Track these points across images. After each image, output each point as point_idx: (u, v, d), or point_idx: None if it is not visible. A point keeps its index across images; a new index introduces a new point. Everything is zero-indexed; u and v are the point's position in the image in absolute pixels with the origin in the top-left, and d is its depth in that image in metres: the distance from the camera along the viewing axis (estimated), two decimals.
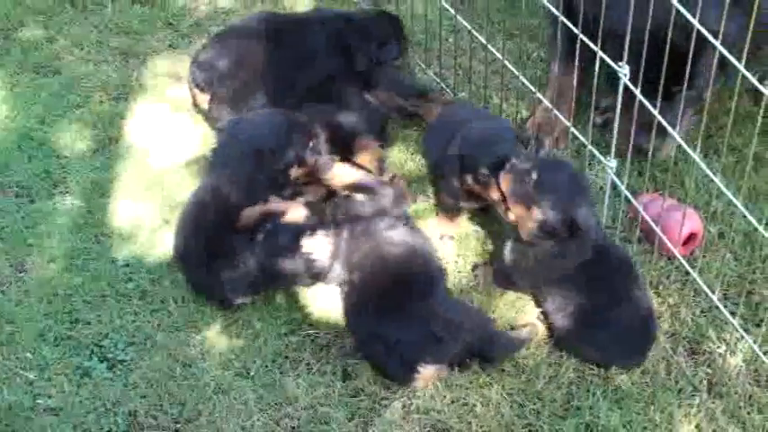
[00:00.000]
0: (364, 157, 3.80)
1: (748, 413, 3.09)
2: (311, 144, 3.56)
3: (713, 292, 3.16)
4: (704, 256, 3.48)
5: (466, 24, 3.95)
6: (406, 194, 3.66)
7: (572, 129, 3.64)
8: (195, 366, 3.29)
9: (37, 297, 3.51)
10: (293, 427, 3.12)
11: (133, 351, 3.35)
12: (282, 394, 3.19)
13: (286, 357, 3.31)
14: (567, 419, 3.09)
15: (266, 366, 3.28)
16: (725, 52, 2.67)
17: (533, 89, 3.72)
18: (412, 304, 3.17)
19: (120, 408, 3.17)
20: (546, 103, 3.76)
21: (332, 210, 3.48)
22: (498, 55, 3.80)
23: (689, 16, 2.76)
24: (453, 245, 3.65)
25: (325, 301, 3.46)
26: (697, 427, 3.07)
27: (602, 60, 3.17)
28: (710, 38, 2.70)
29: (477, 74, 4.26)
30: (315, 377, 3.23)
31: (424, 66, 4.41)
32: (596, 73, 3.24)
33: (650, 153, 3.52)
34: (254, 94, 3.97)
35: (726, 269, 3.45)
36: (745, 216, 2.92)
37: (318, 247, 3.30)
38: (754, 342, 3.12)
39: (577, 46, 3.26)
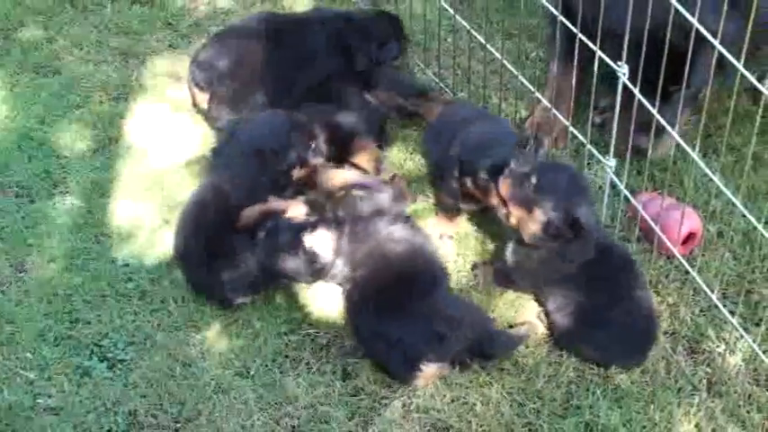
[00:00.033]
0: (362, 158, 3.80)
1: (748, 412, 3.10)
2: (313, 145, 3.57)
3: (712, 292, 3.17)
4: (703, 255, 3.49)
5: (465, 24, 3.95)
6: (406, 194, 3.66)
7: (571, 128, 3.64)
8: (195, 366, 3.29)
9: (37, 297, 3.52)
10: (293, 427, 3.12)
11: (133, 351, 3.35)
12: (282, 393, 3.19)
13: (286, 357, 3.31)
14: (567, 418, 3.09)
15: (266, 366, 3.28)
16: (724, 51, 2.67)
17: (532, 89, 3.73)
18: (415, 302, 3.18)
19: (120, 407, 3.18)
20: (545, 102, 3.77)
21: (333, 207, 3.48)
22: (497, 55, 3.80)
23: (688, 15, 2.76)
24: (453, 244, 3.66)
25: (324, 301, 3.47)
26: (696, 426, 3.07)
27: (601, 60, 3.18)
28: (709, 36, 2.71)
29: (476, 74, 4.26)
30: (315, 376, 3.24)
31: (422, 65, 4.42)
32: (595, 72, 3.25)
33: (649, 152, 3.53)
34: (254, 94, 3.98)
35: (725, 268, 3.45)
36: (744, 215, 2.93)
37: (320, 242, 3.29)
38: (754, 341, 3.13)
39: (576, 46, 3.27)
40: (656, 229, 3.30)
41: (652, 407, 3.11)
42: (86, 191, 3.92)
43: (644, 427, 3.07)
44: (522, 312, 3.42)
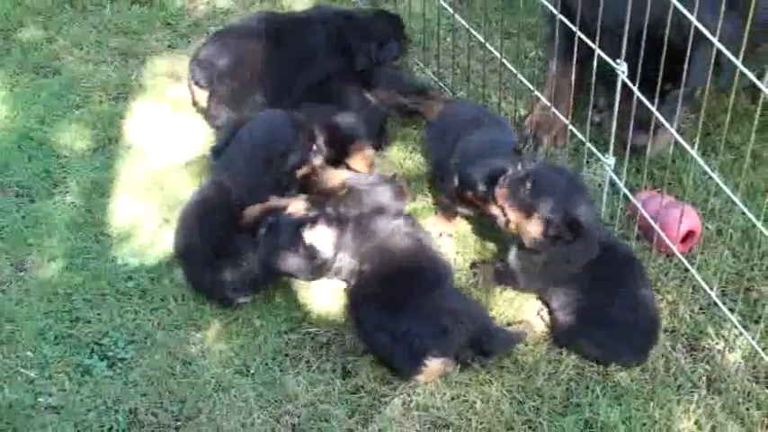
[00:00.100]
0: (356, 160, 3.80)
1: (747, 409, 3.10)
2: (314, 146, 3.59)
3: (712, 289, 3.17)
4: (702, 253, 3.49)
5: (464, 23, 3.95)
6: (406, 192, 3.67)
7: (570, 126, 3.65)
8: (195, 364, 3.29)
9: (37, 296, 3.52)
10: (293, 425, 3.13)
11: (133, 349, 3.35)
12: (282, 392, 3.20)
13: (286, 355, 3.32)
14: (567, 416, 3.10)
15: (266, 364, 3.29)
16: (723, 49, 2.68)
17: (531, 87, 3.73)
18: (421, 296, 3.19)
19: (120, 406, 3.18)
20: (544, 101, 3.77)
21: (334, 204, 3.48)
22: (496, 54, 3.81)
23: (686, 13, 2.77)
24: (452, 243, 3.66)
25: (324, 299, 3.48)
26: (696, 423, 3.08)
27: (600, 58, 3.19)
28: (708, 34, 2.71)
29: (476, 73, 4.27)
30: (315, 375, 3.24)
31: (422, 65, 4.43)
32: (594, 71, 3.25)
33: (648, 149, 3.54)
34: (254, 93, 3.98)
35: (724, 266, 3.46)
36: (743, 213, 2.93)
37: (319, 238, 3.30)
38: (753, 338, 3.13)
39: (575, 44, 3.27)
40: (656, 227, 3.31)
41: (652, 404, 3.11)
42: (86, 190, 3.92)
43: (643, 424, 3.08)
44: (522, 311, 3.42)
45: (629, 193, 3.44)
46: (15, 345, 3.37)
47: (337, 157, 3.79)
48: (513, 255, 3.35)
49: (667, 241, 3.30)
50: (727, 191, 2.93)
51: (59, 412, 3.17)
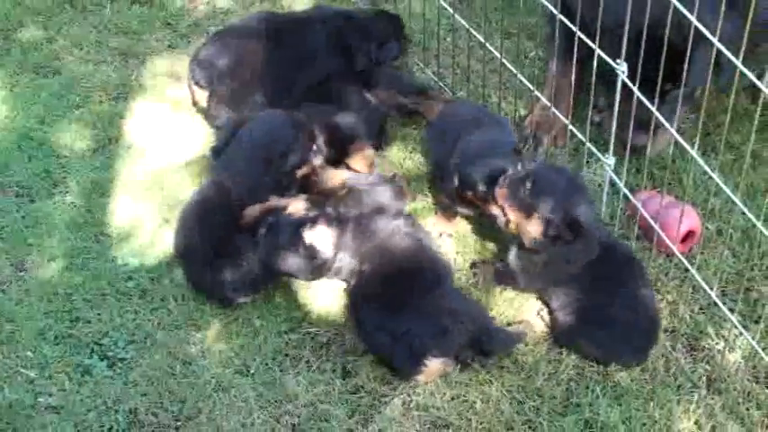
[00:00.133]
0: (356, 160, 3.80)
1: (747, 409, 3.10)
2: (315, 146, 3.59)
3: (711, 289, 3.17)
4: (702, 253, 3.50)
5: (464, 23, 3.95)
6: (406, 192, 3.67)
7: (570, 126, 3.65)
8: (195, 364, 3.29)
9: (37, 296, 3.52)
10: (293, 425, 3.13)
11: (133, 349, 3.36)
12: (282, 392, 3.20)
13: (286, 355, 3.32)
14: (567, 416, 3.10)
15: (266, 364, 3.29)
16: (723, 49, 2.68)
17: (531, 87, 3.73)
18: (422, 296, 3.19)
19: (120, 406, 3.18)
20: (544, 101, 3.77)
21: (334, 204, 3.48)
22: (496, 54, 3.81)
23: (686, 12, 2.77)
24: (452, 243, 3.66)
25: (324, 300, 3.48)
26: (696, 423, 3.08)
27: (600, 58, 3.19)
28: (707, 34, 2.71)
29: (476, 73, 4.27)
30: (315, 375, 3.24)
31: (422, 65, 4.43)
32: (594, 70, 3.26)
33: (648, 149, 3.54)
34: (254, 93, 3.98)
35: (724, 266, 3.46)
36: (743, 213, 2.93)
37: (319, 237, 3.30)
38: (753, 338, 3.13)
39: (575, 44, 3.28)
40: (656, 226, 3.31)
41: (651, 404, 3.12)
42: (86, 190, 3.92)
43: (643, 424, 3.08)
44: (522, 311, 3.42)
45: (629, 193, 3.44)
46: (15, 345, 3.37)
47: (337, 158, 3.79)
48: (512, 255, 3.35)
49: (667, 241, 3.30)
50: (728, 191, 2.93)
51: (59, 412, 3.17)
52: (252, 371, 3.27)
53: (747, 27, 2.69)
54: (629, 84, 3.10)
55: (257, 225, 3.36)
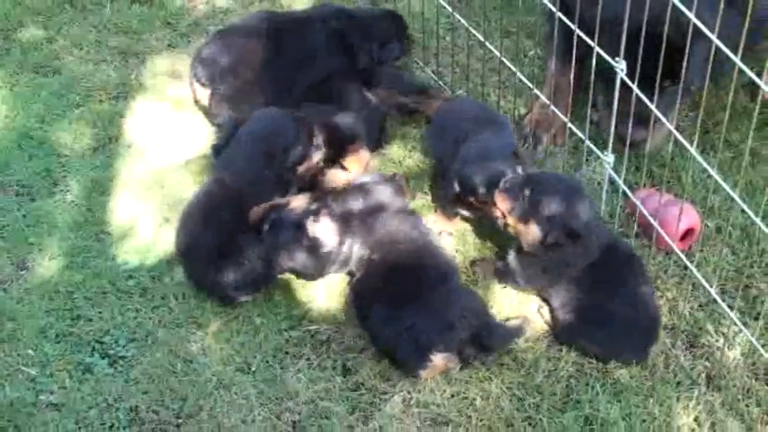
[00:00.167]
0: (352, 161, 3.80)
1: (746, 406, 3.11)
2: (315, 142, 3.60)
3: (711, 286, 3.18)
4: (702, 251, 3.51)
5: (463, 22, 3.96)
6: (406, 191, 3.67)
7: (569, 125, 3.66)
8: (196, 362, 3.30)
9: (38, 294, 3.53)
10: (294, 422, 3.13)
11: (134, 347, 3.36)
12: (283, 389, 3.21)
13: (286, 353, 3.32)
14: (567, 413, 3.11)
15: (267, 362, 3.29)
16: (721, 46, 2.68)
17: (531, 86, 3.74)
18: (428, 291, 3.21)
19: (121, 403, 3.19)
20: (543, 99, 3.78)
21: (338, 200, 3.48)
22: (496, 52, 3.82)
23: (685, 10, 2.78)
24: (452, 241, 3.67)
25: (325, 297, 3.49)
26: (696, 419, 3.09)
27: (599, 56, 3.20)
28: (707, 31, 2.72)
29: (475, 71, 4.27)
30: (315, 372, 3.25)
31: (421, 63, 4.44)
32: (593, 69, 3.26)
33: (648, 144, 3.55)
34: (256, 92, 3.98)
35: (723, 263, 3.47)
36: (742, 210, 2.94)
37: (324, 228, 3.31)
38: (752, 335, 3.14)
39: (574, 42, 3.28)
40: (655, 224, 3.31)
41: (651, 401, 3.12)
42: (87, 189, 3.93)
43: (643, 420, 3.08)
44: (522, 308, 3.43)
45: (628, 191, 3.44)
46: (17, 343, 3.37)
47: (334, 158, 3.79)
48: (512, 256, 3.37)
49: (667, 238, 3.31)
50: (727, 188, 2.93)
51: (60, 410, 3.18)
52: (252, 368, 3.28)
53: (746, 26, 2.70)
54: (629, 82, 3.11)
55: (262, 222, 3.36)
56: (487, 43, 3.86)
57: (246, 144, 3.60)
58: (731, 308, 3.21)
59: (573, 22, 3.26)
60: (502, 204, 3.22)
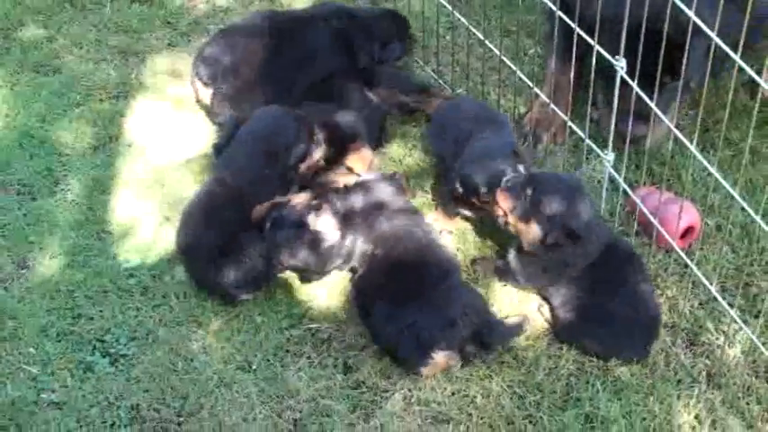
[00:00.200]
0: (354, 160, 3.80)
1: (747, 403, 3.11)
2: (315, 138, 3.61)
3: (711, 284, 3.18)
4: (702, 249, 3.51)
5: (463, 21, 3.97)
6: (406, 190, 3.68)
7: (569, 123, 3.66)
8: (197, 360, 3.30)
9: (39, 293, 3.53)
10: (295, 420, 3.14)
11: (135, 346, 3.36)
12: (284, 387, 3.21)
13: (287, 351, 3.33)
14: (567, 410, 3.11)
15: (268, 360, 3.30)
16: (721, 44, 2.69)
17: (531, 84, 3.75)
18: (430, 288, 3.21)
19: (122, 402, 3.19)
20: (543, 98, 3.79)
21: (340, 197, 3.48)
22: (496, 51, 3.82)
23: (684, 8, 2.78)
24: (452, 239, 3.67)
25: (325, 296, 3.49)
26: (696, 417, 3.09)
27: (599, 55, 3.20)
28: (707, 30, 2.73)
29: (475, 70, 4.28)
30: (316, 370, 3.25)
31: (421, 62, 4.44)
32: (593, 67, 3.27)
33: (648, 139, 3.55)
34: (258, 91, 3.98)
35: (723, 261, 3.47)
36: (742, 208, 2.94)
37: (325, 221, 3.31)
38: (753, 333, 3.14)
39: (574, 41, 3.29)
40: (655, 222, 3.32)
41: (652, 399, 3.13)
42: (87, 188, 3.93)
43: (644, 418, 3.09)
44: (522, 306, 3.43)
45: (628, 189, 3.45)
46: (18, 342, 3.37)
47: (336, 157, 3.79)
48: (512, 256, 3.37)
49: (667, 237, 3.31)
50: (727, 186, 2.93)
51: (62, 408, 3.18)
52: (253, 367, 3.28)
53: (745, 24, 2.71)
54: (629, 80, 3.12)
55: (264, 219, 3.37)
56: (487, 42, 3.86)
57: (247, 143, 3.60)
58: (731, 306, 3.21)
59: (573, 21, 3.27)
60: (503, 203, 3.23)
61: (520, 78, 3.79)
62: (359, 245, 3.36)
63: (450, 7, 4.06)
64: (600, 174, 3.73)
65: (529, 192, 3.18)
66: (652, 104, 3.11)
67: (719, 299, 3.17)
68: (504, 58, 3.81)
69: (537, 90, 3.75)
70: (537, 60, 4.30)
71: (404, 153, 4.04)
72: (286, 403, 3.17)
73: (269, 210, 3.38)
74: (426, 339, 3.12)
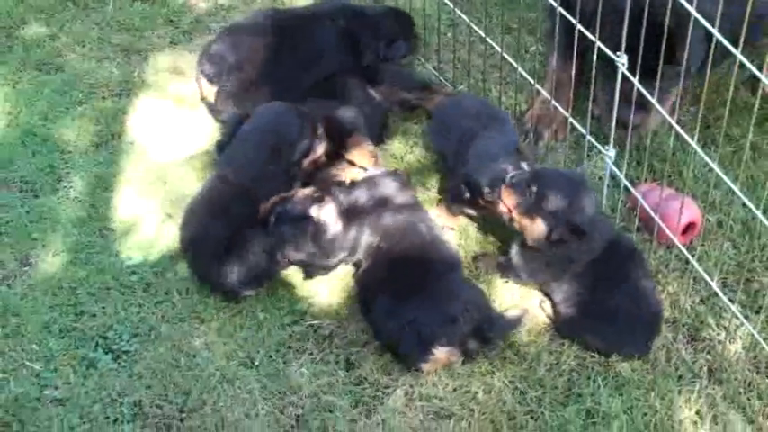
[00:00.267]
0: (357, 155, 3.81)
1: (748, 399, 3.12)
2: (318, 134, 3.62)
3: (712, 280, 3.19)
4: (703, 245, 3.52)
5: (464, 18, 3.98)
6: (408, 186, 3.68)
7: (571, 120, 3.67)
8: (199, 357, 3.31)
9: (42, 290, 3.54)
10: (297, 416, 3.14)
11: (138, 342, 3.37)
12: (286, 383, 3.22)
13: (289, 347, 3.33)
14: (569, 406, 3.12)
15: (270, 356, 3.30)
16: (722, 39, 2.69)
17: (532, 81, 3.75)
18: (432, 283, 3.22)
19: (125, 398, 3.20)
20: (545, 95, 3.79)
21: (343, 192, 3.49)
22: (497, 48, 3.83)
23: (685, 4, 2.79)
24: (454, 235, 3.68)
25: (327, 292, 3.50)
26: (697, 412, 3.10)
27: (600, 50, 3.20)
28: (707, 25, 2.73)
29: (476, 67, 4.29)
30: (318, 366, 3.26)
31: (422, 59, 4.45)
32: (594, 64, 3.27)
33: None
34: (263, 88, 3.99)
35: (724, 257, 3.48)
36: (743, 204, 2.95)
37: (328, 212, 3.32)
38: (754, 328, 3.15)
39: (575, 38, 3.29)
40: (656, 218, 3.32)
41: (653, 394, 3.13)
42: (90, 186, 3.94)
43: (645, 414, 3.09)
44: (524, 302, 3.44)
45: (629, 186, 3.46)
46: (21, 338, 3.38)
47: (336, 151, 3.80)
48: (515, 251, 3.38)
49: (668, 232, 3.32)
50: (728, 182, 2.94)
51: (65, 404, 3.19)
52: (256, 363, 3.29)
53: (745, 23, 2.71)
54: (630, 77, 3.12)
55: (269, 215, 3.37)
56: (489, 39, 3.87)
57: (250, 139, 3.61)
58: (732, 301, 3.22)
59: (574, 17, 3.27)
60: (508, 199, 3.23)
61: (521, 75, 3.80)
62: (364, 238, 3.37)
63: (451, 4, 4.06)
64: (601, 170, 3.74)
65: (533, 188, 3.18)
66: (653, 101, 3.12)
67: (721, 294, 3.18)
68: (506, 55, 3.82)
69: (538, 87, 3.76)
70: (538, 57, 4.30)
71: (405, 150, 4.05)
72: (288, 399, 3.18)
73: (273, 205, 3.39)
74: (427, 335, 3.13)
